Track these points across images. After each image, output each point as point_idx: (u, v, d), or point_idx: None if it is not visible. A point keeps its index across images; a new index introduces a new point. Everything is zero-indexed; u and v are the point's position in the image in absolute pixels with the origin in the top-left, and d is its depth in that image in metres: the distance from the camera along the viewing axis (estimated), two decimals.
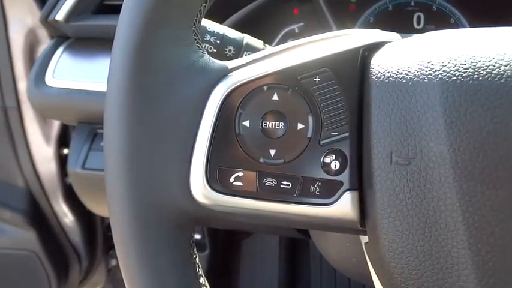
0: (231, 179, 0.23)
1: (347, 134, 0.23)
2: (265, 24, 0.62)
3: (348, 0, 0.64)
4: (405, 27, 0.62)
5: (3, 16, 0.68)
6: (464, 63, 0.21)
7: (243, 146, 0.23)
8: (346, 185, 0.23)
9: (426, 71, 0.21)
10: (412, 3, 0.63)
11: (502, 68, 0.21)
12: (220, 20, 0.57)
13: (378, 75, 0.22)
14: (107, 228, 0.92)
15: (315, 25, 0.61)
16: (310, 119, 0.23)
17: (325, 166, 0.23)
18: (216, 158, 0.23)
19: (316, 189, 0.23)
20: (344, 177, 0.23)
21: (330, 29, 0.58)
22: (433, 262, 0.21)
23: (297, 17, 0.63)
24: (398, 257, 0.22)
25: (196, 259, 0.25)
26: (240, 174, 0.23)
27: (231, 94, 0.23)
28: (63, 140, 0.77)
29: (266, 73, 0.23)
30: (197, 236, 0.90)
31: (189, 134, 0.23)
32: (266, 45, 0.39)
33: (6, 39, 0.68)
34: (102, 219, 0.90)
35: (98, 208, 0.61)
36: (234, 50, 0.35)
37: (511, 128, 0.20)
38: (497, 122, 0.20)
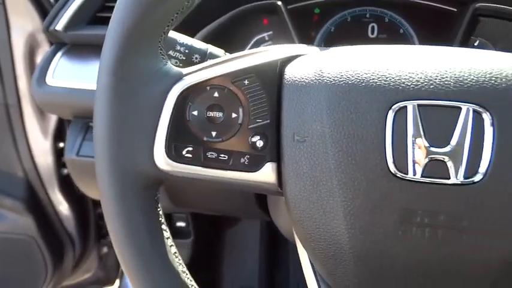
0: (184, 152, 0.32)
1: (268, 121, 0.32)
2: (238, 33, 0.71)
3: (312, 12, 0.72)
4: (361, 36, 0.71)
5: (7, 22, 0.76)
6: (345, 72, 0.30)
7: (192, 129, 0.32)
8: (268, 158, 0.32)
9: (318, 77, 0.30)
10: (367, 15, 0.71)
11: (370, 76, 0.29)
12: (197, 30, 0.65)
13: (288, 79, 0.31)
14: (99, 217, 1.00)
15: (282, 34, 0.69)
16: (240, 110, 0.32)
17: (253, 144, 0.32)
18: (173, 137, 0.31)
19: (245, 160, 0.32)
20: (266, 152, 0.32)
21: (292, 38, 0.66)
22: (319, 210, 0.29)
23: (266, 27, 0.71)
24: (298, 207, 0.30)
25: (160, 211, 0.34)
26: (190, 148, 0.32)
27: (183, 92, 0.32)
28: (59, 135, 0.85)
29: (209, 77, 0.32)
30: (181, 224, 0.97)
31: (153, 121, 0.31)
32: (226, 53, 0.48)
33: (9, 43, 0.76)
34: (95, 208, 0.98)
35: (90, 191, 0.69)
36: (199, 58, 0.44)
37: (365, 118, 0.28)
38: (358, 113, 0.29)
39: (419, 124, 0.28)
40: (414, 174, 0.28)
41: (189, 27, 0.60)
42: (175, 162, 0.32)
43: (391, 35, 0.69)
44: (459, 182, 0.27)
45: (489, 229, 0.27)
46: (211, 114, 0.32)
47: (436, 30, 0.67)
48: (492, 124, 0.27)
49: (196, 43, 0.45)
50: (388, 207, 0.28)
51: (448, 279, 0.28)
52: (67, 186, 0.88)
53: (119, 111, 0.31)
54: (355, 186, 0.28)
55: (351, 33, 0.71)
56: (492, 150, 0.27)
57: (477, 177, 0.27)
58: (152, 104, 0.31)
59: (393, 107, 0.28)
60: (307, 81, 0.30)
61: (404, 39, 0.69)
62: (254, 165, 0.32)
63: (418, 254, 0.28)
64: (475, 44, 0.66)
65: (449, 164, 0.28)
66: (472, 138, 0.27)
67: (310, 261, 0.33)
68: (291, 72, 0.32)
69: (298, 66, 0.32)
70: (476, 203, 0.27)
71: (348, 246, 0.29)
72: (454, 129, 0.28)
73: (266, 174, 0.32)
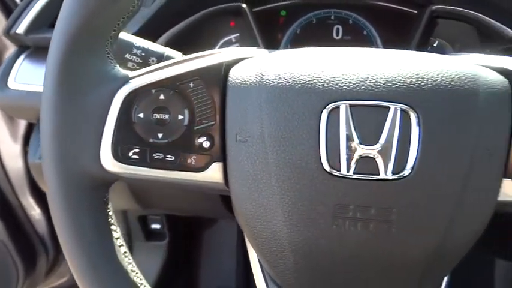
0: (130, 154, 0.32)
1: (214, 122, 0.33)
2: (205, 35, 0.71)
3: (278, 14, 0.74)
4: (326, 38, 0.72)
5: None
6: (283, 74, 0.31)
7: (138, 131, 0.32)
8: (214, 158, 0.33)
9: (258, 79, 0.31)
10: (332, 17, 0.72)
11: (306, 78, 0.30)
12: (163, 32, 0.65)
13: (232, 82, 0.32)
14: None
15: (248, 36, 0.70)
16: (186, 112, 0.33)
17: (199, 145, 0.33)
18: (119, 139, 0.32)
19: (193, 161, 0.33)
20: (213, 152, 0.33)
21: (256, 40, 0.67)
22: (260, 207, 0.31)
23: (233, 29, 0.72)
24: (242, 205, 0.31)
25: (109, 212, 0.34)
26: (137, 150, 0.32)
27: (129, 95, 0.32)
28: (29, 139, 0.84)
29: (155, 80, 0.33)
30: (156, 226, 0.97)
31: (99, 123, 0.32)
32: (184, 56, 0.49)
33: None
34: None
35: None
36: (156, 61, 0.45)
37: (300, 118, 0.29)
38: (294, 113, 0.30)
39: (351, 123, 0.29)
40: (346, 171, 0.29)
41: (154, 29, 0.60)
42: (122, 163, 0.32)
43: (355, 37, 0.71)
44: (388, 178, 0.29)
45: (417, 222, 0.29)
46: (157, 116, 0.33)
47: (398, 31, 0.69)
48: (418, 122, 0.29)
49: (153, 46, 0.46)
50: (322, 203, 0.29)
51: (380, 269, 0.30)
52: (38, 190, 0.87)
53: (64, 113, 0.31)
54: (292, 183, 0.29)
55: (316, 35, 0.72)
56: (418, 147, 0.29)
57: (405, 173, 0.29)
58: (98, 106, 0.32)
59: (327, 107, 0.29)
60: (248, 83, 0.31)
61: (368, 41, 0.71)
62: (201, 166, 0.33)
63: (351, 247, 0.29)
64: (434, 45, 0.68)
65: (379, 160, 0.29)
66: (400, 136, 0.29)
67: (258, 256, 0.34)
68: (234, 75, 0.33)
69: (242, 68, 0.33)
70: (404, 197, 0.29)
71: (287, 242, 0.30)
72: (383, 127, 0.29)
73: (213, 174, 0.33)
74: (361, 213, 0.29)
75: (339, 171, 0.29)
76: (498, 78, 0.31)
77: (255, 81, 0.31)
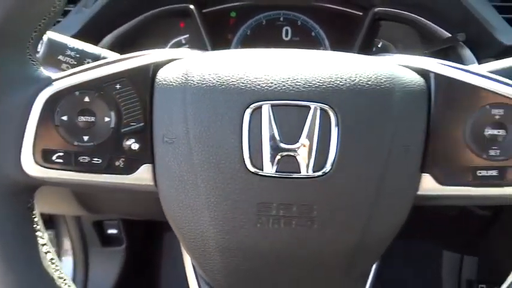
0: (54, 157, 0.32)
1: (142, 124, 0.32)
2: (155, 36, 0.70)
3: (228, 15, 0.74)
4: (276, 39, 0.73)
5: None
6: (208, 75, 0.31)
7: (61, 134, 0.32)
8: (143, 160, 0.32)
9: (184, 80, 0.31)
10: (281, 19, 0.73)
11: (230, 79, 0.31)
12: (108, 32, 0.64)
13: (159, 83, 0.32)
14: None
15: (198, 37, 0.70)
16: (113, 114, 0.32)
17: (128, 147, 0.32)
18: (41, 143, 0.31)
19: (121, 163, 0.32)
20: (141, 154, 0.32)
21: (204, 42, 0.67)
22: (187, 208, 0.31)
23: (183, 30, 0.72)
24: (171, 206, 0.31)
25: (35, 218, 0.33)
26: (61, 154, 0.32)
27: (52, 97, 0.32)
28: None
29: (78, 82, 0.32)
30: (113, 231, 0.95)
31: (19, 127, 0.31)
32: (113, 57, 0.48)
33: None
34: None
35: None
36: (92, 62, 0.44)
37: (224, 119, 0.30)
38: (218, 114, 0.30)
39: (273, 123, 0.30)
40: (269, 170, 0.30)
41: (97, 30, 0.59)
42: (45, 168, 0.31)
43: (304, 38, 0.72)
44: (309, 175, 0.30)
45: (337, 217, 0.30)
46: (82, 118, 0.32)
47: (344, 32, 0.70)
48: (337, 121, 0.30)
49: (89, 47, 0.45)
50: (246, 202, 0.30)
51: (305, 265, 0.31)
52: None
53: None
54: (216, 183, 0.30)
55: (266, 36, 0.73)
56: (337, 145, 0.30)
57: (325, 170, 0.30)
58: (18, 110, 0.31)
59: (249, 108, 0.30)
60: (174, 84, 0.31)
61: (316, 42, 0.72)
62: (130, 168, 0.32)
63: (275, 244, 0.30)
64: (379, 46, 0.70)
65: (300, 158, 0.30)
66: (320, 134, 0.30)
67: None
68: (162, 76, 0.32)
69: (169, 70, 0.33)
70: (325, 193, 0.30)
71: (213, 242, 0.30)
72: (304, 126, 0.30)
73: (142, 176, 0.32)
74: (284, 210, 0.29)
75: (262, 170, 0.30)
76: (415, 78, 0.33)
77: (180, 82, 0.31)
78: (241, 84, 0.30)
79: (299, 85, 0.30)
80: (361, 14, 0.70)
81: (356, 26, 0.69)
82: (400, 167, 0.31)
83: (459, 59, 0.57)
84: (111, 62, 0.33)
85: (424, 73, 0.33)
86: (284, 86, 0.30)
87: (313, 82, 0.30)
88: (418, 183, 0.32)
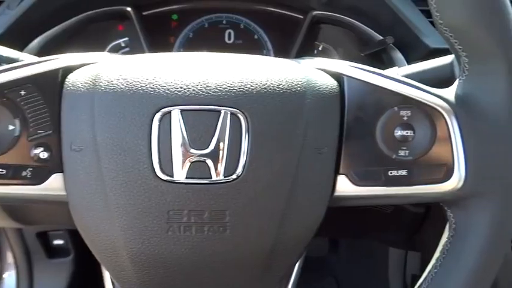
0: None
1: (50, 132, 0.31)
2: (91, 39, 0.68)
3: (169, 18, 0.73)
4: (218, 42, 0.72)
5: None
6: (116, 80, 0.30)
7: None
8: (53, 169, 0.31)
9: (92, 85, 0.30)
10: (224, 22, 0.73)
11: (138, 84, 0.30)
12: (38, 33, 0.61)
13: (68, 88, 0.31)
14: None
15: (138, 40, 0.68)
16: (17, 122, 0.31)
17: (35, 156, 0.31)
18: None
19: (28, 173, 0.31)
20: (51, 163, 0.31)
21: (141, 45, 0.66)
22: (97, 218, 0.30)
23: (122, 33, 0.70)
24: (80, 216, 0.30)
25: None
26: None
27: None
28: None
29: None
30: (59, 242, 0.91)
31: None
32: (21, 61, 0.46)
33: None
34: None
35: None
36: None
37: (132, 125, 0.29)
38: (126, 119, 0.29)
39: (183, 128, 0.29)
40: (179, 177, 0.29)
41: (23, 33, 0.57)
42: None
43: (247, 41, 0.72)
44: (220, 180, 0.29)
45: (250, 222, 0.30)
46: None
47: (286, 35, 0.71)
48: (247, 125, 0.30)
49: (6, 51, 0.43)
50: (156, 210, 0.29)
51: (220, 271, 0.30)
52: None
53: None
54: (126, 192, 0.29)
55: (208, 39, 0.73)
56: (248, 149, 0.29)
57: (235, 175, 0.29)
58: None
59: (159, 113, 0.29)
60: (83, 89, 0.30)
61: (259, 45, 0.72)
62: (38, 178, 0.31)
63: (188, 252, 0.30)
64: (320, 49, 0.71)
65: (210, 164, 0.29)
66: (230, 139, 0.29)
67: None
68: (71, 81, 0.31)
69: (78, 75, 0.32)
70: (236, 199, 0.29)
71: (125, 252, 0.29)
72: (215, 131, 0.29)
73: (53, 185, 0.31)
74: (196, 217, 0.29)
75: (172, 176, 0.29)
76: (329, 81, 0.33)
77: (88, 87, 0.30)
78: (150, 88, 0.29)
79: (209, 89, 0.30)
80: (301, 17, 0.71)
81: (296, 29, 0.70)
82: (313, 170, 0.31)
83: (391, 62, 0.59)
84: (16, 67, 0.32)
85: (338, 76, 0.34)
86: (194, 90, 0.30)
87: (224, 86, 0.30)
88: (332, 185, 0.32)
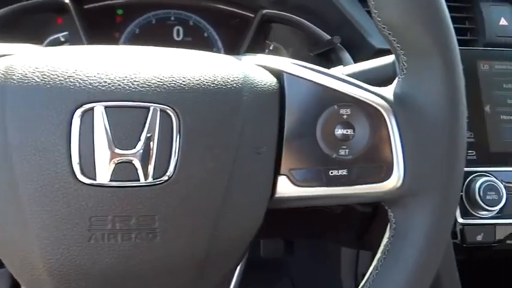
0: None
1: None
2: (27, 32, 0.64)
3: (114, 13, 0.69)
4: (166, 39, 0.70)
5: None
6: (32, 73, 0.27)
7: None
8: None
9: (2, 79, 0.27)
10: (172, 18, 0.71)
11: (57, 77, 0.27)
12: None
13: None
14: None
15: (77, 34, 0.64)
16: None
17: None
18: None
19: None
20: None
21: (81, 39, 0.62)
22: (8, 223, 0.26)
23: (61, 26, 0.66)
24: None
25: None
26: None
27: None
28: None
29: None
30: None
31: None
32: None
33: None
34: None
35: None
36: None
37: (49, 122, 0.26)
38: (43, 117, 0.26)
39: (107, 126, 0.27)
40: (103, 179, 0.27)
41: None
42: None
43: (196, 38, 0.70)
44: (148, 183, 0.27)
45: (182, 227, 0.28)
46: None
47: (236, 33, 0.70)
48: (179, 123, 0.28)
49: None
50: (77, 217, 0.26)
51: (152, 279, 0.28)
52: None
53: None
54: (41, 197, 0.26)
55: (156, 36, 0.70)
56: (179, 149, 0.27)
57: (166, 177, 0.27)
58: None
59: (79, 110, 0.27)
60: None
61: (209, 43, 0.70)
62: None
63: (114, 262, 0.27)
64: (270, 48, 0.70)
65: (138, 165, 0.27)
66: (160, 138, 0.27)
67: None
68: None
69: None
70: (167, 202, 0.27)
71: (41, 264, 0.26)
72: (143, 130, 0.27)
73: None
74: (121, 223, 0.27)
75: (94, 179, 0.27)
76: (268, 79, 0.32)
77: (1, 82, 0.27)
78: (70, 82, 0.27)
79: (137, 84, 0.27)
80: (252, 15, 0.70)
81: (247, 27, 0.69)
82: (251, 170, 0.30)
83: (339, 61, 0.59)
84: None
85: (278, 73, 0.33)
86: (120, 85, 0.27)
87: (153, 81, 0.28)
88: (272, 186, 0.31)
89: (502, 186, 0.47)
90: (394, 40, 0.31)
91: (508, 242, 0.50)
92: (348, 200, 0.33)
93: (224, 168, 0.28)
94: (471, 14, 0.60)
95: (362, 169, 0.31)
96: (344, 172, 0.31)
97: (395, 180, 0.31)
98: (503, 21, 0.59)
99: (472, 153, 0.49)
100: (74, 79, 0.27)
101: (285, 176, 0.31)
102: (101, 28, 0.66)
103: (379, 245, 0.34)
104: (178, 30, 0.71)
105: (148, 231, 0.27)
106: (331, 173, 0.31)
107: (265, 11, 0.66)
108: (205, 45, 0.70)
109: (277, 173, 0.31)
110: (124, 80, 0.27)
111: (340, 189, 0.31)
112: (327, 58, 0.62)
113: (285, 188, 0.31)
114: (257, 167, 0.30)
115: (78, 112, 0.26)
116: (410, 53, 0.31)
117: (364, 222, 0.62)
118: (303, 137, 0.31)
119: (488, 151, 0.50)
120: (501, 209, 0.48)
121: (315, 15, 0.62)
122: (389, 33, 0.31)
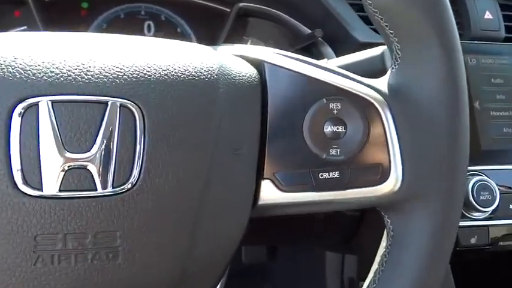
0: None
1: None
2: None
3: (79, 6, 0.64)
4: (137, 34, 0.65)
5: None
6: None
7: None
8: None
9: None
10: (143, 12, 0.66)
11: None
12: None
13: None
14: None
15: (37, 29, 0.59)
16: None
17: None
18: None
19: None
20: None
21: None
22: None
23: (19, 20, 0.61)
24: None
25: None
26: None
27: None
28: None
29: None
30: None
31: None
32: None
33: None
34: None
35: None
36: None
37: None
38: None
39: (55, 125, 0.22)
40: (50, 190, 0.22)
41: None
42: None
43: (169, 34, 0.66)
44: (107, 193, 0.23)
45: (151, 243, 0.23)
46: None
47: (211, 28, 0.66)
48: (143, 121, 0.23)
49: None
50: (18, 236, 0.22)
51: None
52: None
53: None
54: None
55: (125, 31, 0.65)
56: (144, 151, 0.23)
57: (129, 184, 0.23)
58: None
59: (20, 105, 0.22)
60: None
61: (182, 38, 0.66)
62: None
63: (66, 286, 0.22)
64: (249, 44, 0.67)
65: (94, 171, 0.23)
66: (121, 138, 0.23)
67: None
68: None
69: None
70: (131, 214, 0.23)
71: None
72: (99, 129, 0.23)
73: None
74: (75, 242, 0.22)
75: (40, 190, 0.22)
76: (247, 70, 0.28)
77: None
78: (8, 73, 0.22)
79: (91, 74, 0.23)
80: (227, 10, 0.67)
81: (222, 22, 0.65)
82: (230, 174, 0.26)
83: (321, 57, 0.56)
84: None
85: (259, 64, 0.29)
86: (71, 76, 0.23)
87: (112, 71, 0.23)
88: (255, 192, 0.27)
89: (495, 185, 0.45)
90: (387, 26, 0.28)
91: (501, 243, 0.48)
92: (340, 206, 0.29)
93: (198, 172, 0.24)
94: (455, 7, 0.59)
95: (355, 171, 0.28)
96: (335, 174, 0.28)
97: (392, 182, 0.28)
98: (488, 15, 0.58)
99: None
100: (13, 69, 0.22)
101: (268, 180, 0.28)
102: (64, 22, 0.61)
103: (367, 249, 0.31)
104: (149, 25, 0.67)
105: (108, 250, 0.23)
106: (321, 175, 0.28)
107: (241, 4, 0.63)
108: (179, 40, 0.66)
109: (260, 176, 0.27)
110: (76, 69, 0.23)
111: (331, 194, 0.28)
112: (308, 53, 0.59)
113: (269, 193, 0.28)
114: (237, 170, 0.26)
115: (19, 108, 0.22)
116: (404, 39, 0.28)
117: (352, 225, 0.59)
118: (288, 135, 0.28)
119: (479, 149, 0.48)
120: (494, 210, 0.46)
121: (295, 8, 0.59)
122: (381, 18, 0.28)
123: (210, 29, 0.66)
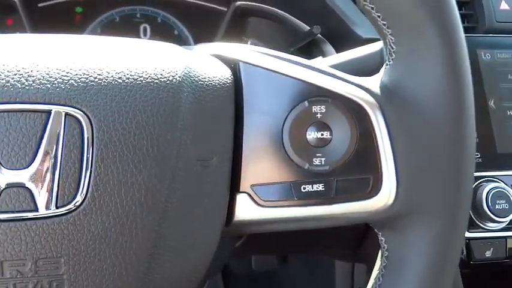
0: None
1: None
2: None
3: (73, 11, 0.63)
4: (132, 38, 0.64)
5: None
6: None
7: None
8: None
9: None
10: (138, 15, 0.65)
11: None
12: None
13: None
14: None
15: None
16: None
17: None
18: None
19: None
20: None
21: None
22: None
23: (12, 27, 0.60)
24: None
25: None
26: None
27: None
28: None
29: None
30: None
31: None
32: None
33: None
34: None
35: None
36: None
37: None
38: None
39: None
40: None
41: None
42: None
43: (166, 37, 0.65)
44: (50, 214, 0.20)
45: (99, 270, 0.21)
46: None
47: (209, 30, 0.64)
48: (92, 131, 0.21)
49: None
50: None
51: None
52: None
53: None
54: None
55: (121, 35, 0.64)
56: (92, 166, 0.20)
57: (75, 203, 0.20)
58: None
59: None
60: None
61: (180, 41, 0.65)
62: None
63: None
64: (248, 44, 0.64)
65: (34, 189, 0.20)
66: (66, 152, 0.20)
67: None
68: None
69: None
70: (77, 238, 0.20)
71: None
72: (40, 142, 0.20)
73: None
74: (13, 270, 0.20)
75: None
76: (219, 70, 0.25)
77: None
78: None
79: (33, 80, 0.20)
80: (224, 9, 0.64)
81: (220, 22, 0.63)
82: (197, 189, 0.23)
83: (321, 54, 0.53)
84: None
85: (234, 63, 0.26)
86: (9, 81, 0.20)
87: (56, 76, 0.21)
88: (229, 207, 0.24)
89: None
90: (379, 16, 0.24)
91: None
92: (326, 223, 0.26)
93: (157, 190, 0.21)
94: None
95: (342, 183, 0.24)
96: (319, 187, 0.24)
97: (385, 196, 0.24)
98: (504, 5, 0.53)
99: (477, 155, 0.43)
100: None
101: (245, 194, 0.25)
102: (57, 29, 0.60)
103: (374, 258, 0.27)
104: (145, 29, 0.65)
105: (52, 279, 0.20)
106: (304, 188, 0.24)
107: (238, 3, 0.61)
108: (176, 43, 0.64)
109: (235, 190, 0.24)
110: (15, 74, 0.20)
111: (315, 210, 0.25)
112: (308, 53, 0.56)
113: (246, 209, 0.25)
114: (205, 185, 0.23)
115: None
116: (399, 31, 0.24)
117: (358, 236, 0.56)
118: (266, 143, 0.24)
119: (495, 152, 0.43)
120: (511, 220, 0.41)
121: (294, 5, 0.56)
122: (371, 8, 0.24)
123: (207, 30, 0.64)
